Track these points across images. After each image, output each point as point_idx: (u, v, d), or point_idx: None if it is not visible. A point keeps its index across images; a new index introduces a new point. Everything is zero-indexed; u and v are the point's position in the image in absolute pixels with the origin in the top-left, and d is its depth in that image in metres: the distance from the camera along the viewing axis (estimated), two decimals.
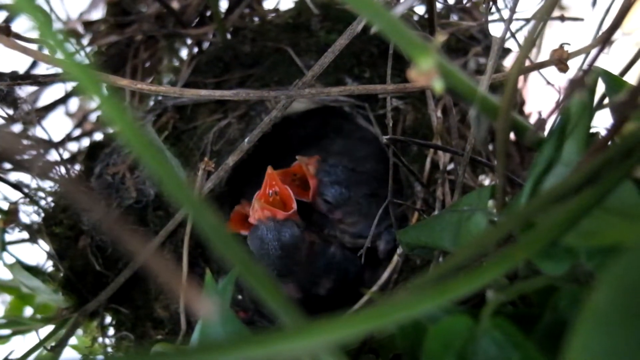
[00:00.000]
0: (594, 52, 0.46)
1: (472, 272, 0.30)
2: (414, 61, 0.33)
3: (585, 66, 0.43)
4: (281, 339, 0.26)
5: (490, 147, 0.80)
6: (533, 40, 0.43)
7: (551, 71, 0.69)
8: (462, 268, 0.33)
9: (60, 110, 1.00)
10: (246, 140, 0.67)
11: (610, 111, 0.43)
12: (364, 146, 0.83)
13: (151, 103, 0.79)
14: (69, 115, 1.00)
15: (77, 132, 0.95)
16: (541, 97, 0.96)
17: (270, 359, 0.27)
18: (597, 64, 0.45)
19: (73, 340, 0.82)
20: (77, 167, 0.78)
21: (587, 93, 0.40)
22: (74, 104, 1.02)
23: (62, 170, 0.74)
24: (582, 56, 0.66)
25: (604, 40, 0.41)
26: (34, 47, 0.67)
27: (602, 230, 0.33)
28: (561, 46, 0.66)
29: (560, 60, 0.65)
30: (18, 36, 0.68)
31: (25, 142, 0.76)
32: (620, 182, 0.34)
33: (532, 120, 0.87)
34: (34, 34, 0.69)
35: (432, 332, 0.37)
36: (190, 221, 0.68)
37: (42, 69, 0.88)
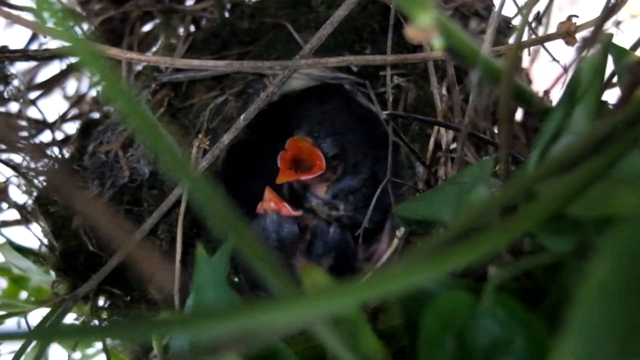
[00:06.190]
0: (599, 20, 0.43)
1: (469, 243, 0.28)
2: (412, 18, 0.31)
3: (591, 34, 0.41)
4: (274, 307, 0.25)
5: (496, 129, 0.78)
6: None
7: (559, 50, 0.67)
8: (459, 239, 0.31)
9: (58, 93, 0.98)
10: (242, 117, 0.65)
11: (625, 73, 0.40)
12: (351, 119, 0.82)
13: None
14: (66, 98, 0.98)
15: (73, 113, 0.92)
16: (549, 77, 0.93)
17: (266, 328, 0.26)
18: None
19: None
20: (70, 147, 0.75)
21: (599, 55, 0.37)
22: (71, 86, 1.00)
23: (50, 157, 0.72)
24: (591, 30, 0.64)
25: (611, 7, 0.39)
26: (30, 18, 0.65)
27: (608, 201, 0.31)
28: (569, 18, 0.63)
29: (568, 32, 0.62)
30: (13, 6, 0.66)
31: (17, 121, 0.74)
32: (629, 151, 0.32)
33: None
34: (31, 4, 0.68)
35: (430, 310, 0.35)
36: (185, 200, 0.67)
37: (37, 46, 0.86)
